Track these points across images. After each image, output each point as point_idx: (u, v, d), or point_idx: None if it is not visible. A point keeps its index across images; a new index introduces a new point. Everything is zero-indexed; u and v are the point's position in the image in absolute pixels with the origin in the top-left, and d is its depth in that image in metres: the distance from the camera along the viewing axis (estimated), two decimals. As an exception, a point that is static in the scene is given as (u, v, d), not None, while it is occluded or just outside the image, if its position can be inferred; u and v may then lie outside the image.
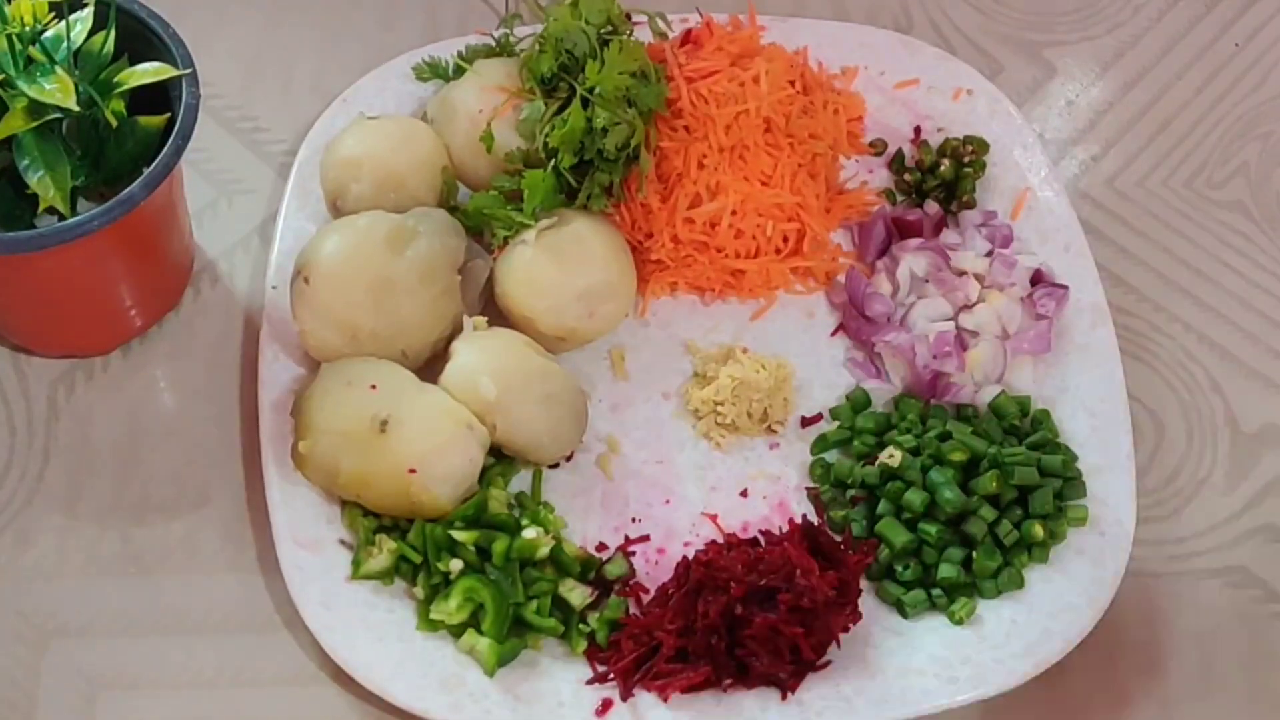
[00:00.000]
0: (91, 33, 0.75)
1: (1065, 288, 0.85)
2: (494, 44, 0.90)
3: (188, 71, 0.75)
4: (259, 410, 0.79)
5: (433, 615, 0.74)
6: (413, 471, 0.74)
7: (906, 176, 0.90)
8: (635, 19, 0.85)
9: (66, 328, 0.82)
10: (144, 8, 0.77)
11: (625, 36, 0.83)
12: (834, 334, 0.86)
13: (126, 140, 0.76)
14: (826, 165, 0.88)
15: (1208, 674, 0.77)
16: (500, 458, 0.79)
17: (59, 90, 0.71)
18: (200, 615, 0.77)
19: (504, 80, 0.85)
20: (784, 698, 0.73)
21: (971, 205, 0.89)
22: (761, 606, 0.72)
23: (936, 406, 0.82)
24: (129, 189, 0.72)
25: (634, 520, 0.79)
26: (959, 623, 0.75)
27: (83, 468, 0.80)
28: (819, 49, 0.92)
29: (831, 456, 0.81)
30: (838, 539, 0.77)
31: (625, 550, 0.78)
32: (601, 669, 0.74)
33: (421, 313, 0.79)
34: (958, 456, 0.77)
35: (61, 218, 0.74)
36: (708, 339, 0.85)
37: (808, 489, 0.81)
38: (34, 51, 0.72)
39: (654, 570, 0.78)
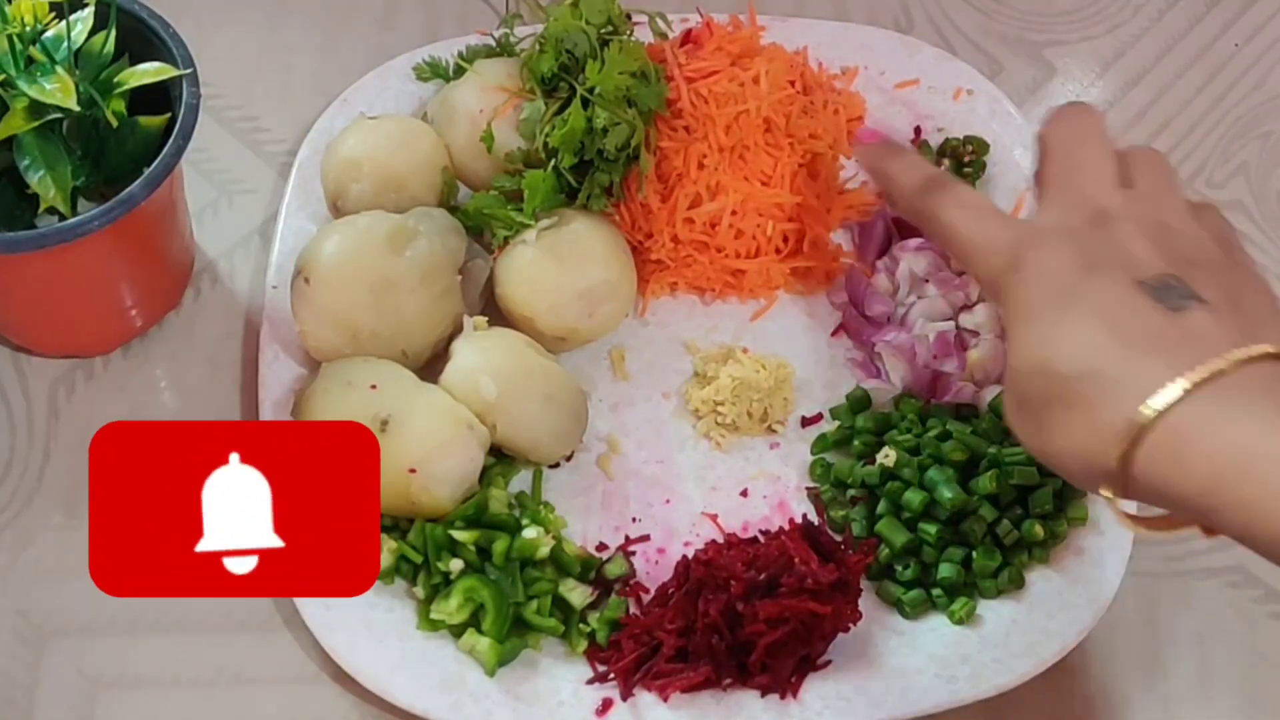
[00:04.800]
0: (92, 33, 0.75)
1: (1065, 288, 0.85)
2: (494, 44, 0.90)
3: (188, 71, 0.76)
4: (259, 410, 0.79)
5: (433, 615, 0.74)
6: (413, 471, 0.74)
7: (907, 176, 0.90)
8: (635, 19, 0.85)
9: (67, 328, 0.82)
10: (144, 8, 0.77)
11: (625, 37, 0.83)
12: (834, 334, 0.86)
13: (127, 140, 0.76)
14: (827, 165, 0.88)
15: (1208, 674, 0.78)
16: (500, 458, 0.79)
17: (59, 90, 0.71)
18: (200, 615, 0.77)
19: (504, 80, 0.85)
20: (784, 697, 0.73)
21: (972, 205, 0.89)
22: (763, 598, 0.72)
23: (937, 406, 0.82)
24: (129, 189, 0.72)
25: (634, 520, 0.79)
26: (959, 622, 0.75)
27: (83, 468, 0.80)
28: (819, 49, 0.92)
29: (831, 456, 0.82)
30: (838, 539, 0.77)
31: (625, 550, 0.78)
32: (602, 669, 0.74)
33: (422, 313, 0.79)
34: (957, 456, 0.77)
35: (62, 218, 0.74)
36: (708, 339, 0.85)
37: (808, 489, 0.81)
38: (34, 51, 0.72)
39: (654, 570, 0.78)
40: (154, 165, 0.73)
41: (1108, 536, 0.78)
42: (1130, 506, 0.78)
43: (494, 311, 0.82)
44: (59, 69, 0.72)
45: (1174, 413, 0.55)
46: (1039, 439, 0.60)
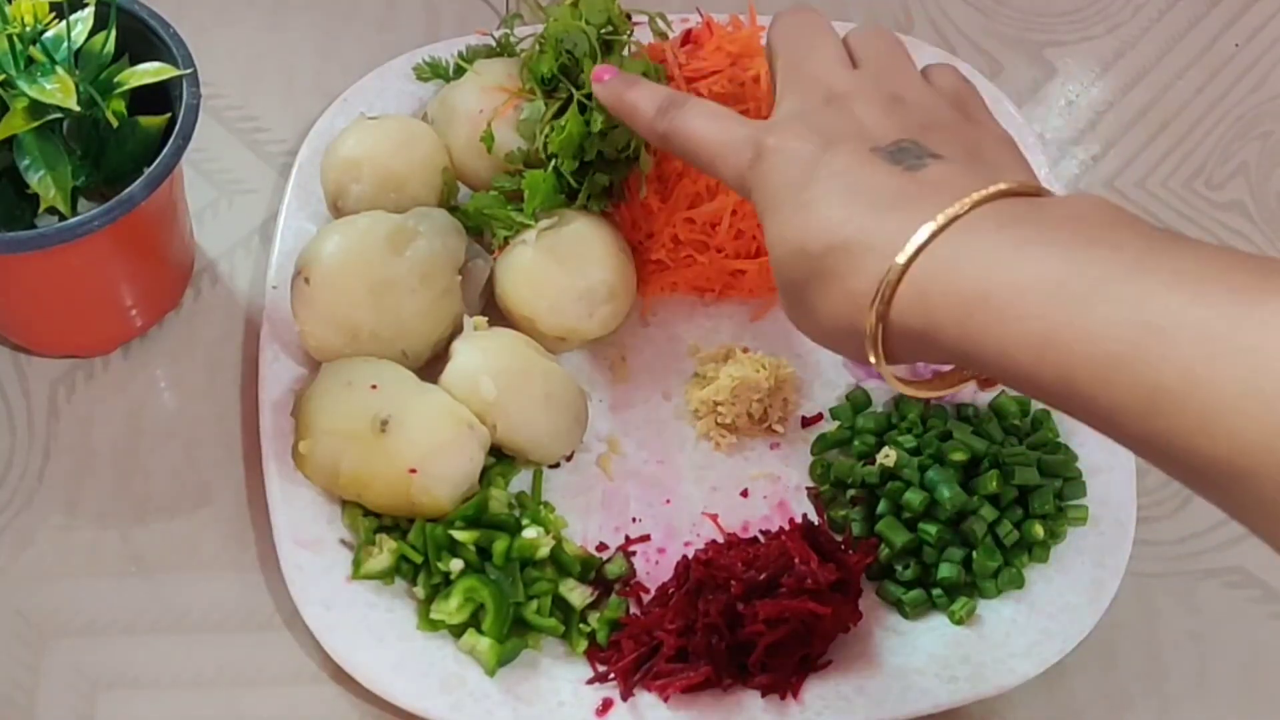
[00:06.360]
0: (92, 33, 0.75)
1: (1065, 288, 0.85)
2: (494, 44, 0.90)
3: (188, 71, 0.75)
4: (259, 410, 0.79)
5: (433, 615, 0.74)
6: (413, 471, 0.74)
7: (906, 176, 0.90)
8: (635, 19, 0.85)
9: (67, 328, 0.82)
10: (144, 8, 0.77)
11: (626, 38, 0.83)
12: (834, 334, 0.86)
13: (127, 140, 0.76)
14: (827, 165, 0.88)
15: (1207, 674, 0.78)
16: (500, 458, 0.79)
17: (60, 90, 0.71)
18: (200, 615, 0.77)
19: (504, 80, 0.85)
20: (784, 698, 0.73)
21: (971, 205, 0.89)
22: (763, 598, 0.72)
23: (937, 406, 0.82)
24: (130, 189, 0.72)
25: (634, 520, 0.79)
26: (959, 623, 0.75)
27: (83, 468, 0.81)
28: (819, 49, 0.91)
29: (832, 456, 0.82)
30: (838, 539, 0.77)
31: (625, 550, 0.78)
32: (602, 669, 0.74)
33: (422, 313, 0.79)
34: (958, 456, 0.77)
35: (62, 218, 0.74)
36: (708, 339, 0.85)
37: (808, 489, 0.81)
38: (34, 51, 0.72)
39: (654, 570, 0.78)
40: (154, 165, 0.73)
41: (1108, 536, 0.78)
42: (1131, 510, 0.79)
43: (494, 311, 0.82)
44: (59, 69, 0.72)
45: (917, 262, 0.55)
46: (809, 322, 0.60)
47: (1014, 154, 0.63)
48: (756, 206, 0.63)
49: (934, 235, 0.55)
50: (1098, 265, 0.51)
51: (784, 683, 0.73)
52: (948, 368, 0.62)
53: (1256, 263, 0.49)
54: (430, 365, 0.80)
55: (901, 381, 0.60)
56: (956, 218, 0.55)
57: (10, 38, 0.72)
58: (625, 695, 0.73)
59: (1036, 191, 0.58)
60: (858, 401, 0.83)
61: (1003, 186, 0.56)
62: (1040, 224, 0.54)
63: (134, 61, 0.76)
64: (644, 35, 0.85)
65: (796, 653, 0.73)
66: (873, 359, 0.57)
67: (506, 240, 0.82)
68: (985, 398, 0.82)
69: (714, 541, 0.78)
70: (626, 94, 0.73)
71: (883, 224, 0.57)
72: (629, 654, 0.73)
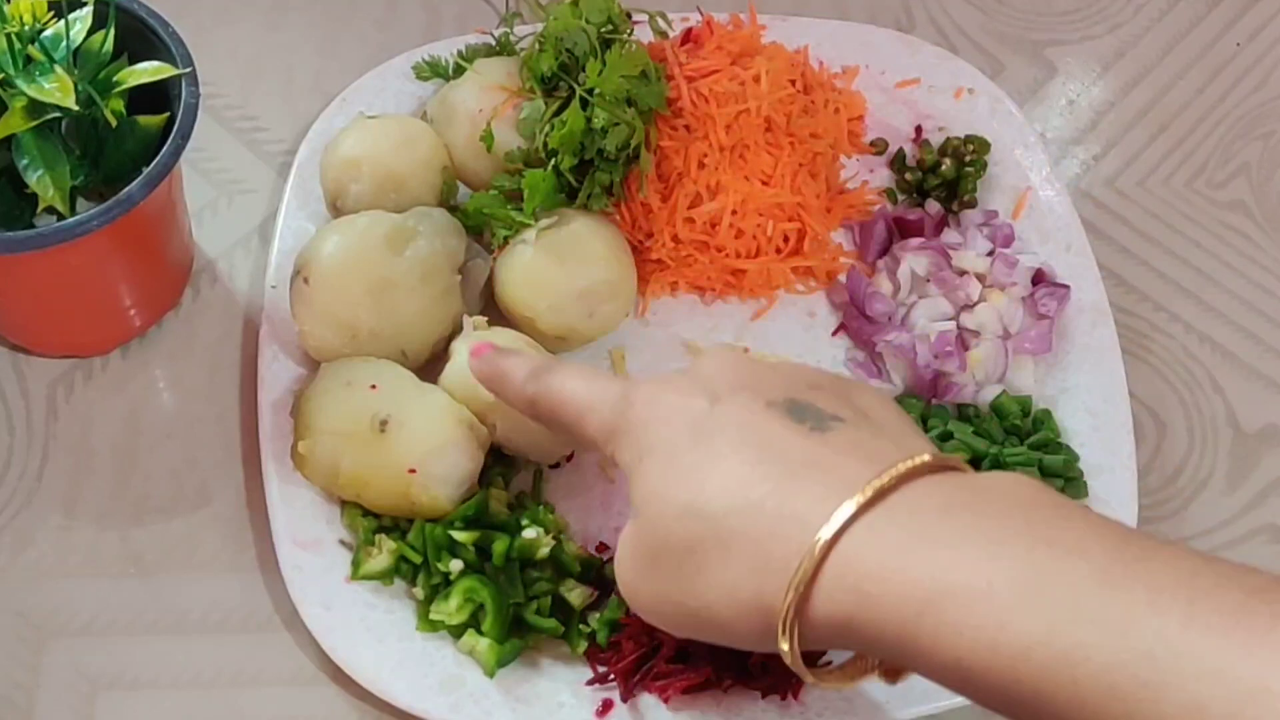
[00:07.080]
0: (91, 32, 0.75)
1: (1066, 287, 0.85)
2: (494, 43, 0.90)
3: (187, 71, 0.75)
4: (259, 410, 0.79)
5: (433, 616, 0.74)
6: (413, 471, 0.74)
7: (907, 176, 0.90)
8: (635, 18, 0.85)
9: (66, 328, 0.82)
10: (144, 7, 0.77)
11: (626, 36, 0.83)
12: (835, 334, 0.86)
13: (126, 140, 0.76)
14: (827, 165, 0.88)
15: (1209, 674, 0.77)
16: (500, 458, 0.79)
17: (58, 89, 0.71)
18: (200, 615, 0.77)
19: (504, 80, 0.85)
20: (784, 698, 0.73)
21: (973, 205, 0.89)
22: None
23: (938, 406, 0.82)
24: (128, 188, 0.72)
25: (634, 520, 0.79)
26: (960, 623, 0.75)
27: (82, 468, 0.80)
28: (820, 48, 0.91)
29: (832, 456, 0.81)
30: (838, 539, 0.77)
31: (625, 550, 0.78)
32: (602, 669, 0.74)
33: (421, 313, 0.79)
34: (959, 456, 0.77)
35: (61, 217, 0.73)
36: (708, 339, 0.85)
37: (808, 489, 0.81)
38: (33, 50, 0.72)
39: (654, 570, 0.78)
40: (153, 165, 0.73)
41: (1109, 537, 0.77)
42: (1132, 510, 0.78)
43: (494, 311, 0.82)
44: (58, 68, 0.72)
45: (845, 539, 0.50)
46: (682, 592, 0.55)
47: (902, 414, 0.58)
48: (625, 460, 0.58)
49: (861, 509, 0.50)
50: (1067, 572, 0.47)
51: (784, 683, 0.73)
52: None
53: (1233, 573, 0.46)
54: (430, 365, 0.80)
55: (811, 670, 0.55)
56: (883, 491, 0.51)
57: (9, 36, 0.71)
58: (625, 696, 0.73)
59: (953, 463, 0.54)
60: (858, 401, 0.82)
61: (926, 459, 0.52)
62: (980, 511, 0.50)
63: (133, 60, 0.76)
64: (644, 34, 0.85)
65: (797, 653, 0.73)
66: (783, 642, 0.52)
67: (506, 240, 0.82)
68: (986, 397, 0.82)
69: (714, 542, 0.77)
70: (500, 362, 0.69)
71: (799, 490, 0.52)
72: (629, 655, 0.73)
